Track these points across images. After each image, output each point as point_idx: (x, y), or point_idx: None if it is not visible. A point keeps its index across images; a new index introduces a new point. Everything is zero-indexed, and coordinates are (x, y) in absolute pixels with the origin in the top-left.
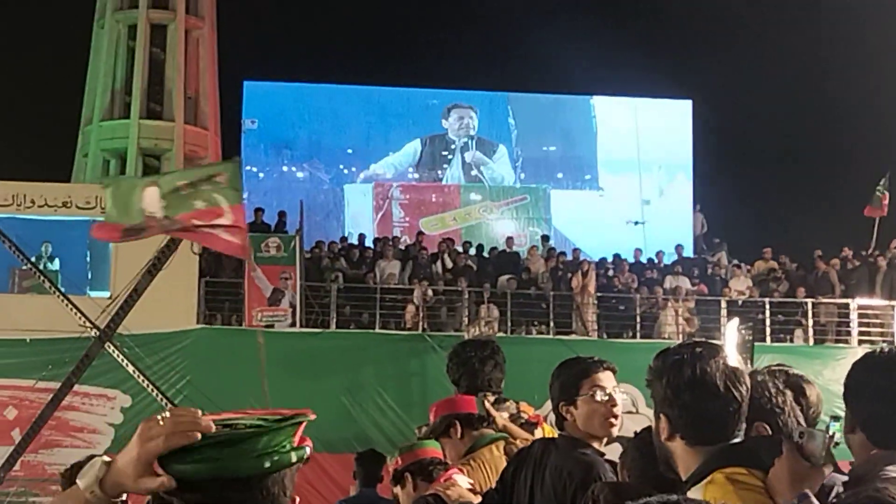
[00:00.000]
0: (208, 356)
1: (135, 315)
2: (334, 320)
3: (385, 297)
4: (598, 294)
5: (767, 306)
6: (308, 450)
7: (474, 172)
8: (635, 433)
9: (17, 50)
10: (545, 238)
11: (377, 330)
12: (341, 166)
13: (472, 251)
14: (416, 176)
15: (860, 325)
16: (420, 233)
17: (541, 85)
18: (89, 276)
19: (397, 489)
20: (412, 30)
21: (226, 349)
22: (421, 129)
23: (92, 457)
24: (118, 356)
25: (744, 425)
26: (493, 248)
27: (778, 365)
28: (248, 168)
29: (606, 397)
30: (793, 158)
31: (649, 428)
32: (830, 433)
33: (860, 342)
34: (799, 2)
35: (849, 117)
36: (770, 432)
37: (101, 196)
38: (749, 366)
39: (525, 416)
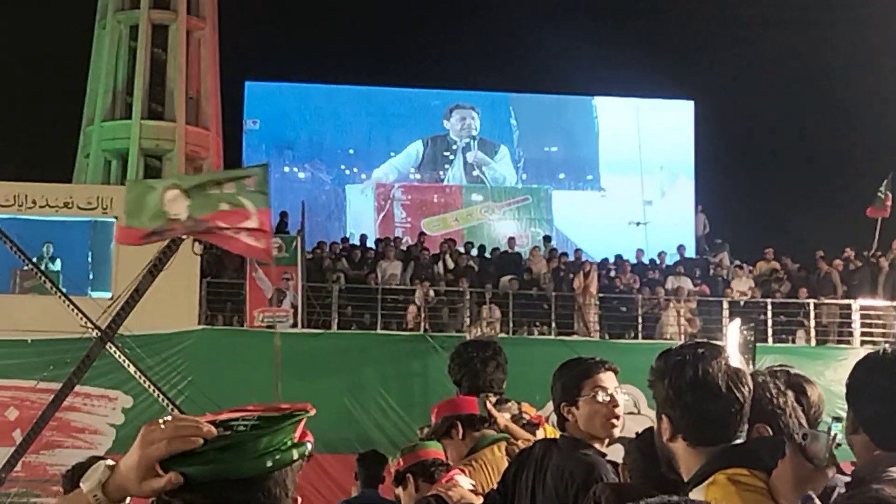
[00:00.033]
0: (210, 357)
1: (136, 316)
2: (336, 321)
3: (387, 298)
4: (600, 295)
5: (769, 307)
6: (310, 445)
7: (476, 173)
8: (637, 434)
9: (19, 50)
10: (547, 239)
11: (379, 330)
12: (343, 167)
13: (474, 252)
14: (418, 176)
15: (862, 325)
16: (422, 233)
17: (542, 85)
18: (90, 277)
19: (399, 490)
20: (414, 30)
21: (227, 350)
22: (423, 130)
23: (93, 457)
24: (119, 357)
25: (746, 426)
26: (495, 249)
27: (780, 366)
28: None
29: (608, 398)
30: (795, 159)
31: (651, 429)
32: (832, 434)
33: (862, 343)
34: (801, 2)
35: (851, 118)
36: (771, 433)
37: (103, 196)
38: (751, 367)
39: (527, 417)
